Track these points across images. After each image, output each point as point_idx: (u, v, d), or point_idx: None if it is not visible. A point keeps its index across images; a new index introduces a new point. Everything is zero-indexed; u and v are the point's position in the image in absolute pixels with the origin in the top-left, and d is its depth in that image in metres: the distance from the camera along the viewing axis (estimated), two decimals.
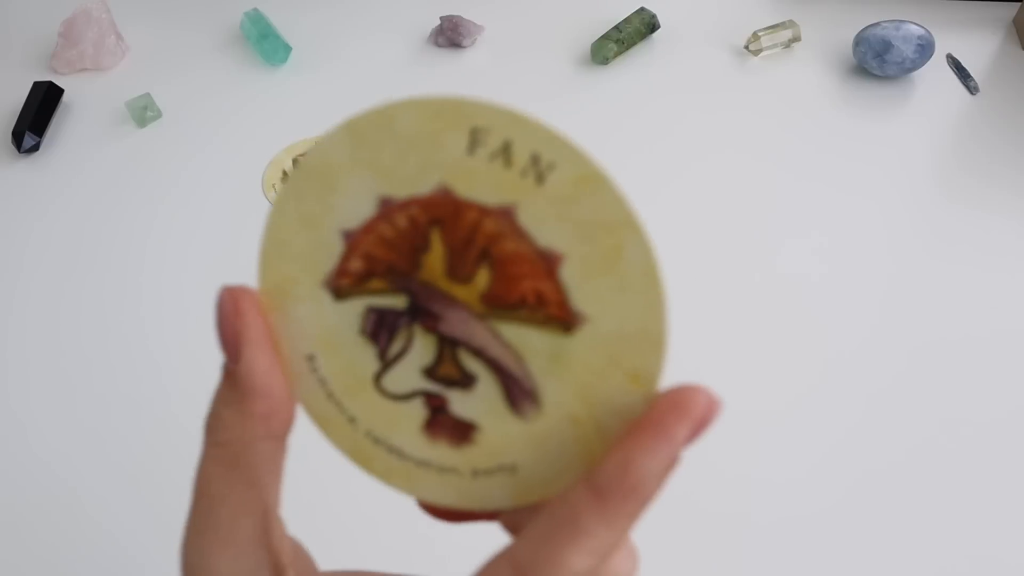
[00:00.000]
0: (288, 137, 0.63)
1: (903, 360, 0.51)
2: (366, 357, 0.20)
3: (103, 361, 0.51)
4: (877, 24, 0.65)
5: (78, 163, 0.62)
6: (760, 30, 0.69)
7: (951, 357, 0.51)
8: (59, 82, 0.66)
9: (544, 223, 0.18)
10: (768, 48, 0.69)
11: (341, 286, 0.20)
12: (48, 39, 0.70)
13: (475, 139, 0.18)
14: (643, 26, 0.69)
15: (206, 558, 0.19)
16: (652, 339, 0.18)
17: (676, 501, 0.45)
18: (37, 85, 0.64)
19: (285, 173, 0.61)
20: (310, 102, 0.66)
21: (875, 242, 0.57)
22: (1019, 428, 0.48)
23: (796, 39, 0.69)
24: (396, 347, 0.20)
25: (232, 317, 0.19)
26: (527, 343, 0.19)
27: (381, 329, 0.20)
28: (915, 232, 0.57)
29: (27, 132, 0.61)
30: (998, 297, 0.54)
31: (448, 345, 0.20)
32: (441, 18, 0.70)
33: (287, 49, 0.68)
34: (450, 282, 0.19)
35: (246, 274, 0.55)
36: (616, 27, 0.69)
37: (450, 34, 0.69)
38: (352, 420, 0.21)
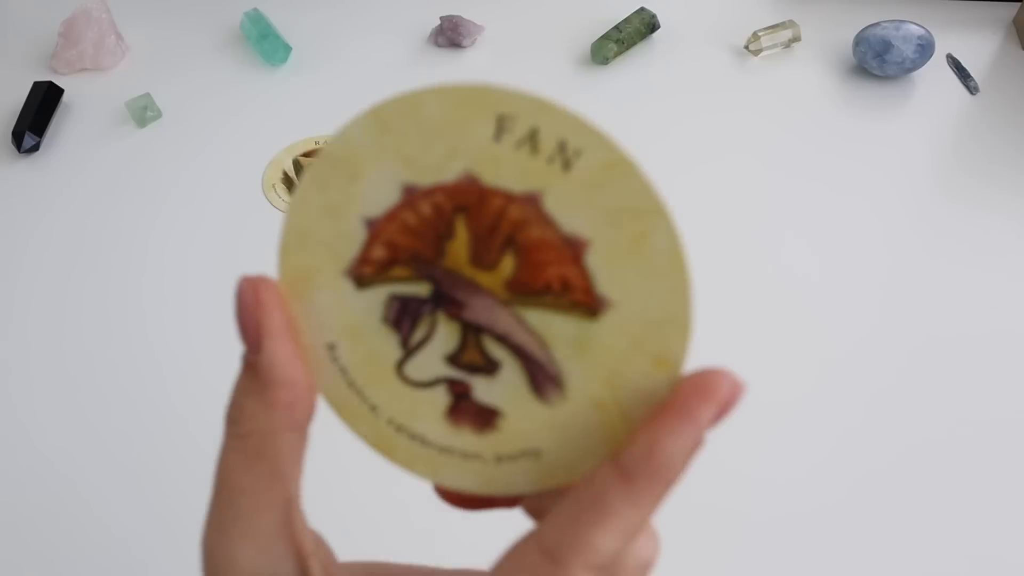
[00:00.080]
0: (288, 137, 0.63)
1: (903, 359, 0.51)
2: (388, 345, 0.20)
3: (104, 361, 0.51)
4: (877, 24, 0.65)
5: (78, 163, 0.62)
6: (760, 30, 0.69)
7: (951, 356, 0.51)
8: (59, 82, 0.66)
9: (570, 209, 0.18)
10: (768, 48, 0.69)
11: (363, 274, 0.20)
12: (48, 39, 0.70)
13: (502, 126, 0.18)
14: (643, 26, 0.69)
15: (229, 551, 0.19)
16: (677, 324, 0.18)
17: (676, 499, 0.45)
18: (37, 85, 0.64)
19: (286, 173, 0.61)
20: (310, 102, 0.66)
21: (875, 242, 0.57)
22: (1019, 428, 0.48)
23: (796, 39, 0.69)
24: (419, 334, 0.20)
25: (253, 308, 0.19)
26: (552, 329, 0.19)
27: (404, 317, 0.20)
28: (915, 232, 0.57)
29: (27, 132, 0.61)
30: (998, 297, 0.54)
31: (472, 332, 0.20)
32: (441, 18, 0.70)
33: (287, 49, 0.68)
34: (474, 269, 0.19)
35: (246, 273, 0.55)
36: (616, 27, 0.69)
37: (450, 34, 0.69)
38: (374, 408, 0.21)
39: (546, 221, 0.18)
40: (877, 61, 0.65)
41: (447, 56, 0.70)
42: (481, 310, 0.19)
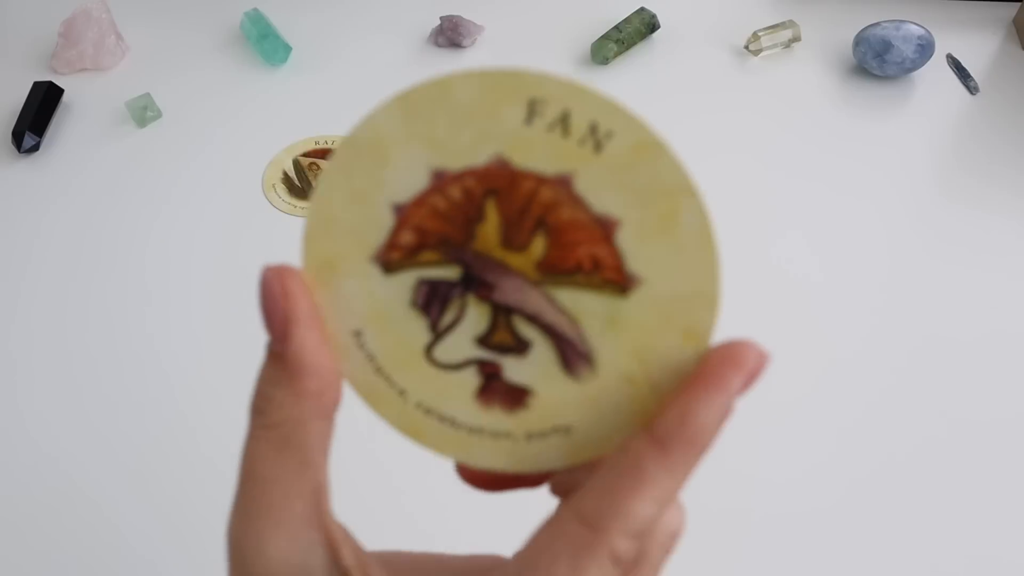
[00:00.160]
0: (288, 137, 0.63)
1: (903, 360, 0.51)
2: (417, 329, 0.20)
3: (105, 361, 0.51)
4: (877, 24, 0.65)
5: (78, 163, 0.62)
6: (760, 30, 0.69)
7: (951, 357, 0.51)
8: (59, 82, 0.66)
9: (601, 190, 0.18)
10: (768, 48, 0.69)
11: (391, 260, 0.20)
12: (48, 39, 0.70)
13: (533, 110, 0.18)
14: (643, 26, 0.69)
15: (258, 542, 0.19)
16: (706, 298, 0.19)
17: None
18: (37, 85, 0.64)
19: (285, 173, 0.61)
20: (310, 102, 0.66)
21: (875, 242, 0.57)
22: (1020, 427, 0.48)
23: (796, 39, 0.69)
24: (448, 317, 0.20)
25: (280, 297, 0.19)
26: (583, 307, 0.19)
27: (433, 300, 0.20)
28: (915, 232, 0.57)
29: (27, 132, 0.61)
30: (998, 297, 0.54)
31: (502, 313, 0.20)
32: (441, 18, 0.70)
33: (287, 49, 0.68)
34: (505, 251, 0.19)
35: (246, 273, 0.55)
36: (616, 27, 0.69)
37: (450, 34, 0.69)
38: (402, 393, 0.21)
39: (577, 202, 0.19)
40: (877, 61, 0.65)
41: (447, 56, 0.70)
42: (511, 291, 0.20)
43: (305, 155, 0.62)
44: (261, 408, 0.20)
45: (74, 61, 0.67)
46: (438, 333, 0.20)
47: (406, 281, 0.20)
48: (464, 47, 0.70)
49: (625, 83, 0.67)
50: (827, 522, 0.44)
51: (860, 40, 0.66)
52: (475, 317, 0.20)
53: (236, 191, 0.60)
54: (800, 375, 0.50)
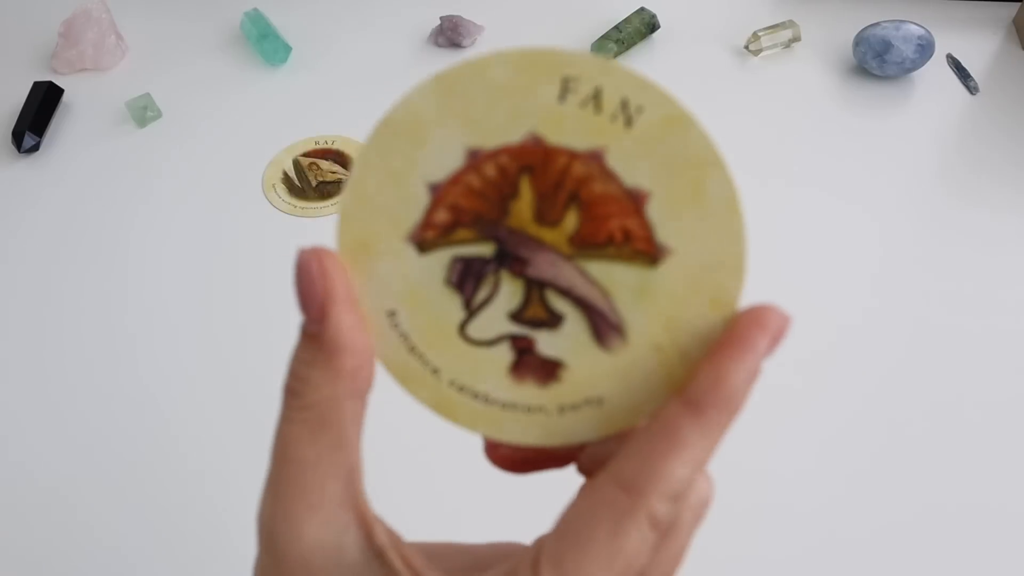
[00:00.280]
0: (288, 137, 0.63)
1: (904, 360, 0.51)
2: (451, 307, 0.21)
3: (105, 361, 0.51)
4: (877, 24, 0.65)
5: (78, 163, 0.62)
6: (760, 30, 0.69)
7: (950, 357, 0.51)
8: (59, 82, 0.66)
9: (632, 164, 0.19)
10: (768, 48, 0.69)
11: (426, 238, 0.20)
12: (48, 39, 0.70)
13: (566, 87, 0.19)
14: (643, 26, 0.69)
15: (292, 525, 0.19)
16: (733, 266, 0.19)
17: None
18: (37, 85, 0.64)
19: (285, 173, 0.61)
20: (310, 102, 0.66)
21: (875, 242, 0.57)
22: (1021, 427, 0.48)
23: (796, 39, 0.69)
24: (482, 294, 0.21)
25: (319, 277, 0.19)
26: (614, 278, 0.20)
27: (467, 277, 0.20)
28: (915, 232, 0.57)
29: (27, 132, 0.61)
30: (998, 296, 0.54)
31: (536, 287, 0.20)
32: (441, 18, 0.70)
33: (287, 49, 0.68)
34: (538, 227, 0.20)
35: (246, 273, 0.55)
36: (616, 27, 0.69)
37: (450, 34, 0.69)
38: (436, 371, 0.21)
39: (609, 176, 0.19)
40: (877, 61, 0.65)
41: (447, 56, 0.70)
42: (545, 265, 0.20)
43: (305, 155, 0.62)
44: (296, 390, 0.20)
45: (74, 61, 0.67)
46: (472, 310, 0.21)
47: (440, 259, 0.20)
48: (464, 47, 0.70)
49: None
50: (827, 520, 0.44)
51: (860, 40, 0.66)
52: (508, 293, 0.20)
53: (236, 191, 0.60)
54: (800, 375, 0.50)
